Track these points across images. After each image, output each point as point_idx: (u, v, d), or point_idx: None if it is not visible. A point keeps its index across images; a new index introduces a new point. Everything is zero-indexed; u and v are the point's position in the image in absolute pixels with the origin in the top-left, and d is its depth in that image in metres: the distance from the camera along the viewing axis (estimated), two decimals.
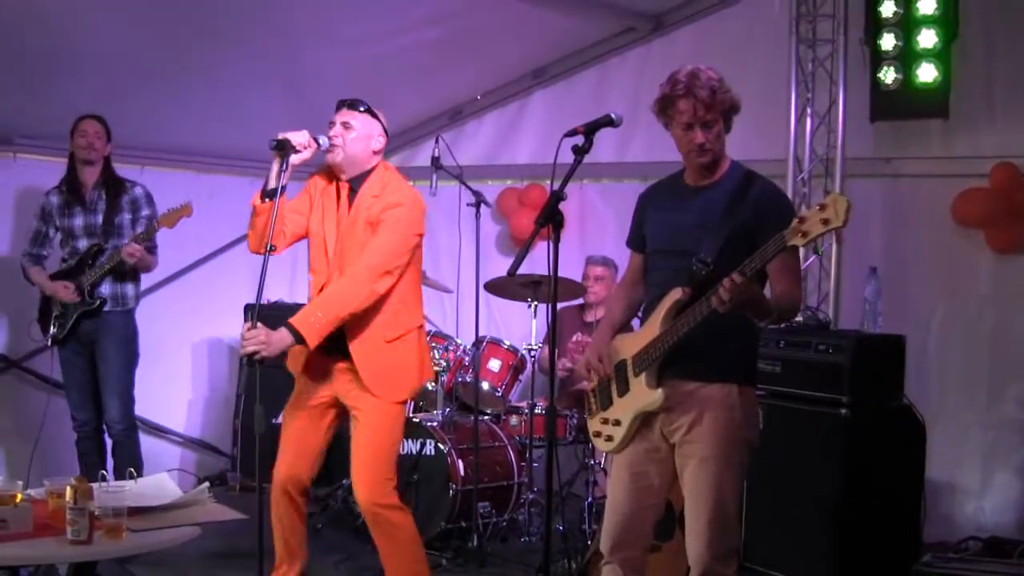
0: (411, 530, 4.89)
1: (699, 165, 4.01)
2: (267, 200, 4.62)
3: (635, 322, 4.36)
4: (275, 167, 4.63)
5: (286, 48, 6.81)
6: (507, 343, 7.18)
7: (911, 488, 5.84)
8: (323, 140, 4.73)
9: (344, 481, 6.73)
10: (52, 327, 6.35)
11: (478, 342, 6.99)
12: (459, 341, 7.16)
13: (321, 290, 4.78)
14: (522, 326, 7.12)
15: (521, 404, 7.07)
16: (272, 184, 4.62)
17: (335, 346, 4.74)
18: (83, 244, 6.31)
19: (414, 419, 6.62)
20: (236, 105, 7.27)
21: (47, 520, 3.83)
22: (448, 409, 6.82)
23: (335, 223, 4.83)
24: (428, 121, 8.62)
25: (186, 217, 6.19)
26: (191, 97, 6.95)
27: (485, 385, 6.98)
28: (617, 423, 4.07)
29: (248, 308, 7.92)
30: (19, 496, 3.85)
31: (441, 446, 6.38)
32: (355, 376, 4.78)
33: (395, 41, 7.07)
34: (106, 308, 6.29)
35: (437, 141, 6.60)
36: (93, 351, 6.37)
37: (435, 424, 6.59)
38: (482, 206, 6.68)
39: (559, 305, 6.87)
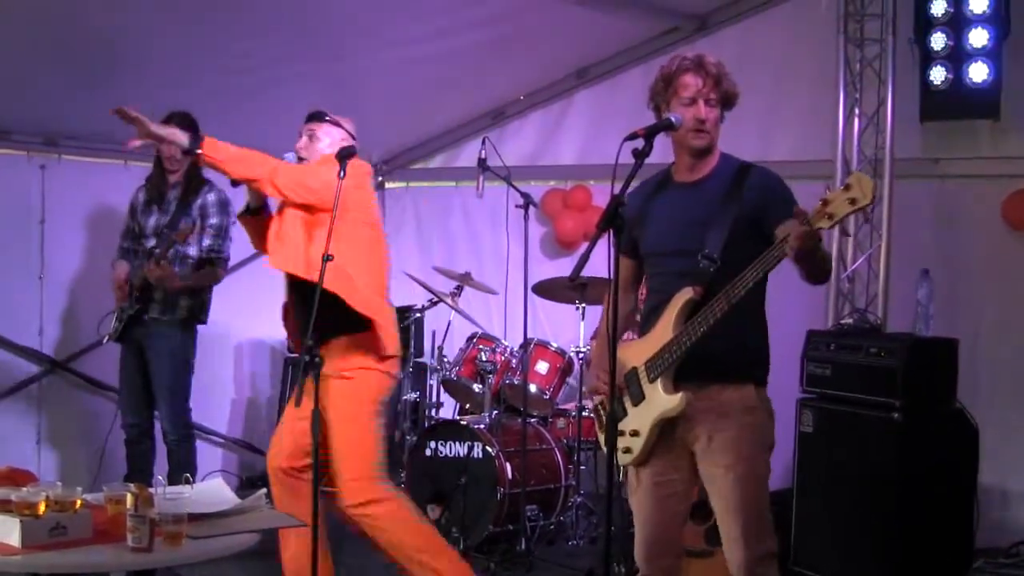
0: (395, 513, 4.75)
1: (694, 148, 3.87)
2: None
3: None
4: None
5: (333, 49, 6.82)
6: (555, 345, 7.15)
7: (963, 493, 5.78)
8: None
9: None
10: (114, 322, 6.23)
11: (526, 344, 6.93)
12: (506, 343, 7.15)
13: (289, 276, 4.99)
14: (570, 328, 7.09)
15: (568, 406, 7.05)
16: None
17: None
18: (151, 244, 6.14)
19: (461, 422, 6.66)
20: (282, 105, 7.23)
21: (106, 526, 3.80)
22: (495, 412, 6.79)
23: None
24: (470, 122, 8.57)
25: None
26: (236, 97, 6.95)
27: (533, 387, 6.94)
28: (635, 433, 3.91)
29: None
30: (79, 502, 3.83)
31: (489, 449, 6.37)
32: None
33: (439, 43, 7.06)
34: (153, 316, 6.12)
35: (484, 143, 6.51)
36: (144, 356, 6.23)
37: (482, 427, 6.59)
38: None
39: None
